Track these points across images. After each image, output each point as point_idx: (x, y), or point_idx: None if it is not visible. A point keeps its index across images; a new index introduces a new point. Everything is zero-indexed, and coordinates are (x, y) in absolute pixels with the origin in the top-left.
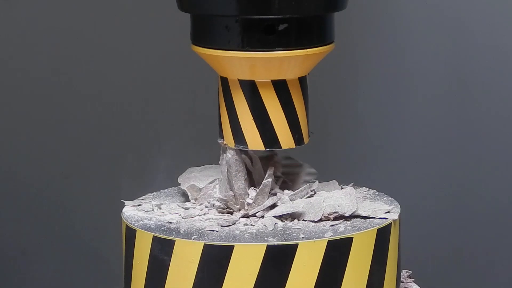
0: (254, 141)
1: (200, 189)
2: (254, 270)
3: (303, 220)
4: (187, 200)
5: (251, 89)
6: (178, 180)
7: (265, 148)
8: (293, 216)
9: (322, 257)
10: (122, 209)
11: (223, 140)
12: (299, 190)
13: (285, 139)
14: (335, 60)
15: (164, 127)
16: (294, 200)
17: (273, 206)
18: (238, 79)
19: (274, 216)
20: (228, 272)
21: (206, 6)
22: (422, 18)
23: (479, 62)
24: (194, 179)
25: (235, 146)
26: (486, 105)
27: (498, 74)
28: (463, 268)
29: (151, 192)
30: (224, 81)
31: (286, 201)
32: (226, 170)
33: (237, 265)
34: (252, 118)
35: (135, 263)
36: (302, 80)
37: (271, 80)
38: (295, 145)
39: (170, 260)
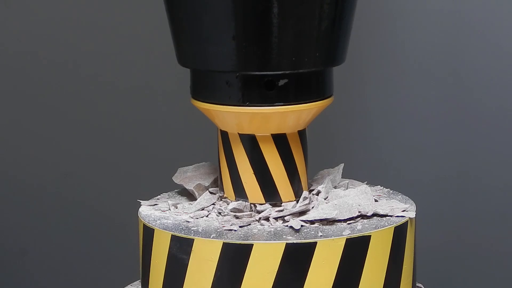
0: (255, 194)
1: (206, 188)
2: (273, 269)
3: (338, 220)
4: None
5: (251, 143)
6: (175, 181)
7: (265, 202)
8: (324, 221)
9: (340, 255)
10: (138, 209)
11: (224, 193)
12: (326, 182)
13: (285, 192)
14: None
15: (164, 127)
16: (329, 192)
17: (303, 212)
18: (238, 133)
19: (301, 220)
20: (247, 271)
21: (207, 62)
22: (422, 17)
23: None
24: (194, 178)
25: (235, 199)
26: (487, 100)
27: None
28: (465, 264)
29: (165, 192)
30: (224, 135)
31: (320, 203)
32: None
33: (256, 263)
34: (252, 171)
35: (153, 262)
36: (301, 133)
37: (271, 134)
38: (295, 198)
39: (189, 259)
